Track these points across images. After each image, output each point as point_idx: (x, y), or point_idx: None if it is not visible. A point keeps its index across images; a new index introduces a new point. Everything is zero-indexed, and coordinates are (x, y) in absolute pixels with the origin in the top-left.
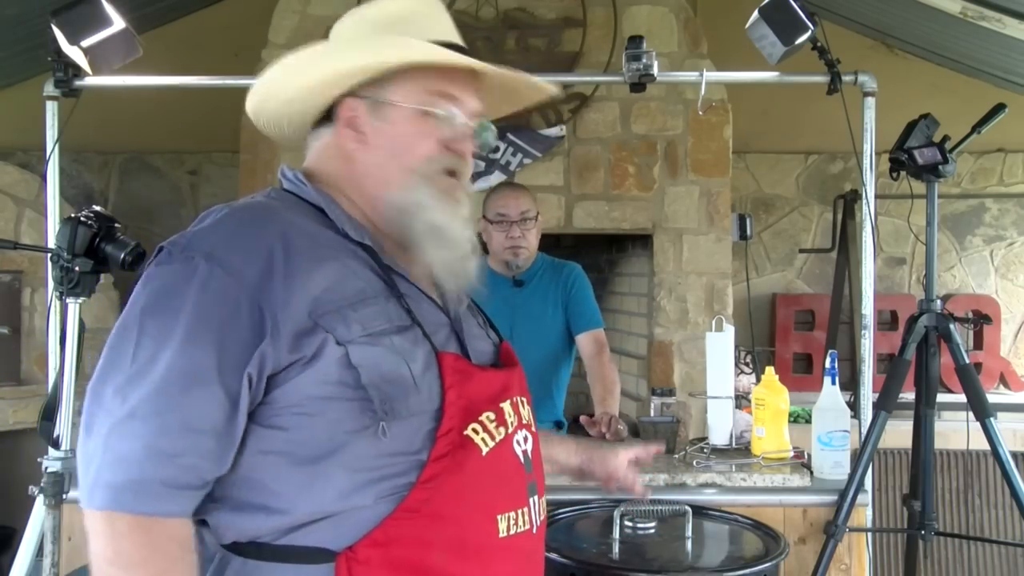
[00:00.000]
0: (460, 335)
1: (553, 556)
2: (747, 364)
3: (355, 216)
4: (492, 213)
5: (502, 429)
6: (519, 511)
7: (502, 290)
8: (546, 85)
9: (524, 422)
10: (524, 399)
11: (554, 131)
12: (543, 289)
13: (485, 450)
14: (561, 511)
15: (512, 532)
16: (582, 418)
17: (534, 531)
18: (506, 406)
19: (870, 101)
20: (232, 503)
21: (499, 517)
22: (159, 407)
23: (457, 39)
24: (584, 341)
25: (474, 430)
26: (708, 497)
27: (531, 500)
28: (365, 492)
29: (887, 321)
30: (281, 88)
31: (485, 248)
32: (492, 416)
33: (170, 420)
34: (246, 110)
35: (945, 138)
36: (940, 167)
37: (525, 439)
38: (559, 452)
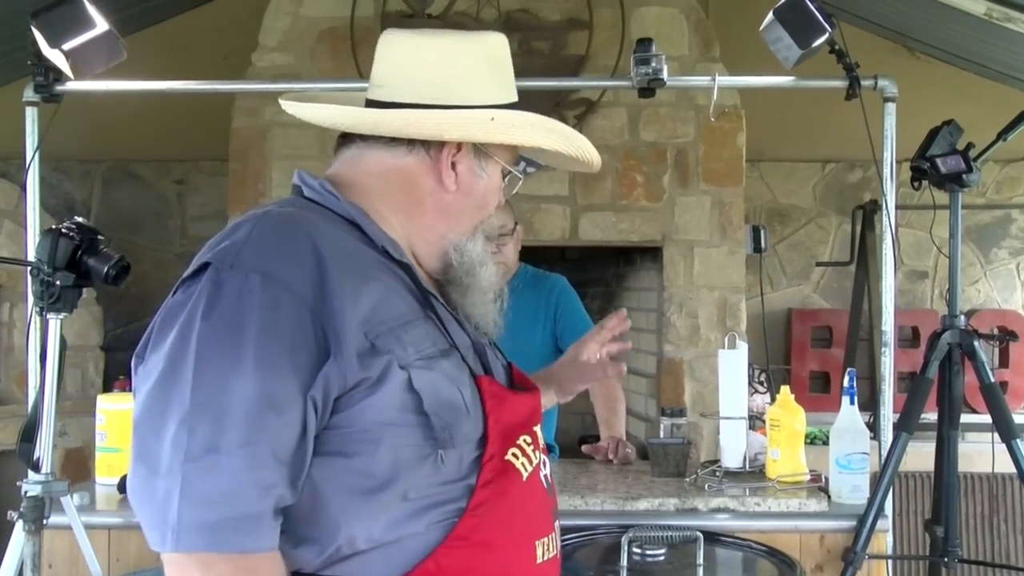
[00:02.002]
0: (483, 358)
1: None
2: (761, 383)
3: (391, 234)
4: None
5: (538, 452)
6: (549, 536)
7: None
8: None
9: (542, 446)
10: (539, 424)
11: None
12: (524, 303)
13: (525, 475)
14: (567, 537)
15: (546, 557)
16: (584, 447)
17: (559, 556)
18: (537, 429)
19: (890, 107)
20: (283, 535)
21: (537, 543)
22: (246, 437)
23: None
24: None
25: (514, 455)
26: (720, 523)
27: (555, 525)
28: (418, 520)
29: (908, 338)
30: (382, 117)
31: None
32: (528, 439)
33: (260, 451)
34: (289, 110)
35: (969, 146)
36: (964, 176)
37: (544, 463)
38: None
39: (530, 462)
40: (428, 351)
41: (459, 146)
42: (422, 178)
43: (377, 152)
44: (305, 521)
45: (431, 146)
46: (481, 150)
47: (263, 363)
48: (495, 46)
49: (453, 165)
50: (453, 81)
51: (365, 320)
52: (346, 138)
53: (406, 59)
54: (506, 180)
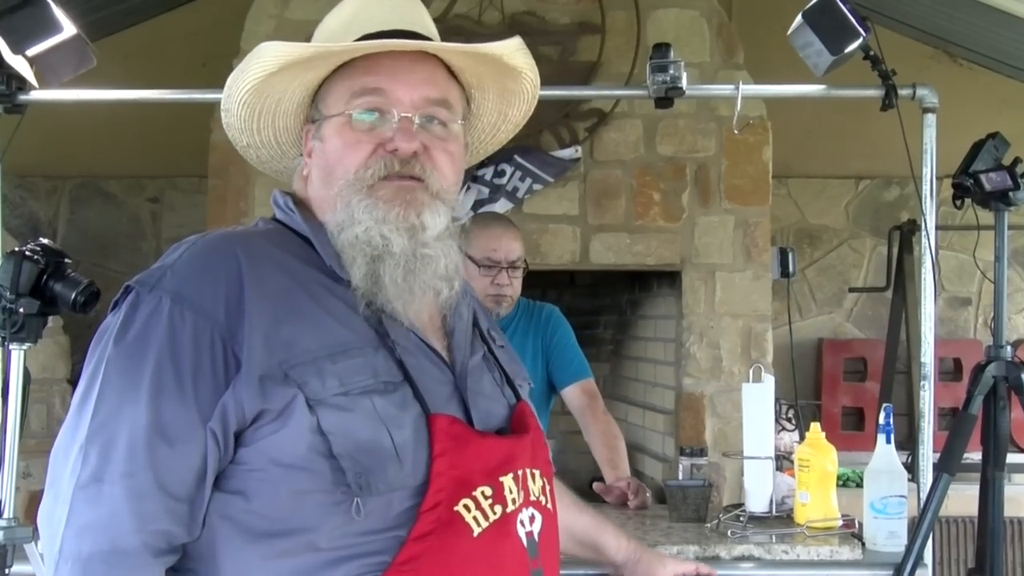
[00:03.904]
0: (464, 393)
1: None
2: (789, 420)
3: None
4: (478, 254)
5: (499, 507)
6: None
7: None
8: (503, 50)
9: (533, 499)
10: (537, 471)
11: (568, 152)
12: (521, 336)
13: (477, 531)
14: None
15: None
16: (595, 485)
17: None
18: (507, 480)
19: (930, 118)
20: (183, 574)
21: None
22: (128, 468)
23: (405, 24)
24: (572, 394)
25: (465, 507)
26: (745, 572)
27: None
28: (332, 572)
29: (950, 370)
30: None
31: None
32: (488, 491)
33: (140, 482)
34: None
35: (1016, 161)
36: (1010, 194)
37: (532, 519)
38: (608, 541)
39: (485, 517)
40: (361, 383)
41: (307, 135)
42: (303, 177)
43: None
44: (205, 561)
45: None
46: (317, 122)
47: (159, 390)
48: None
49: (309, 150)
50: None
51: (285, 347)
52: None
53: None
54: (368, 118)
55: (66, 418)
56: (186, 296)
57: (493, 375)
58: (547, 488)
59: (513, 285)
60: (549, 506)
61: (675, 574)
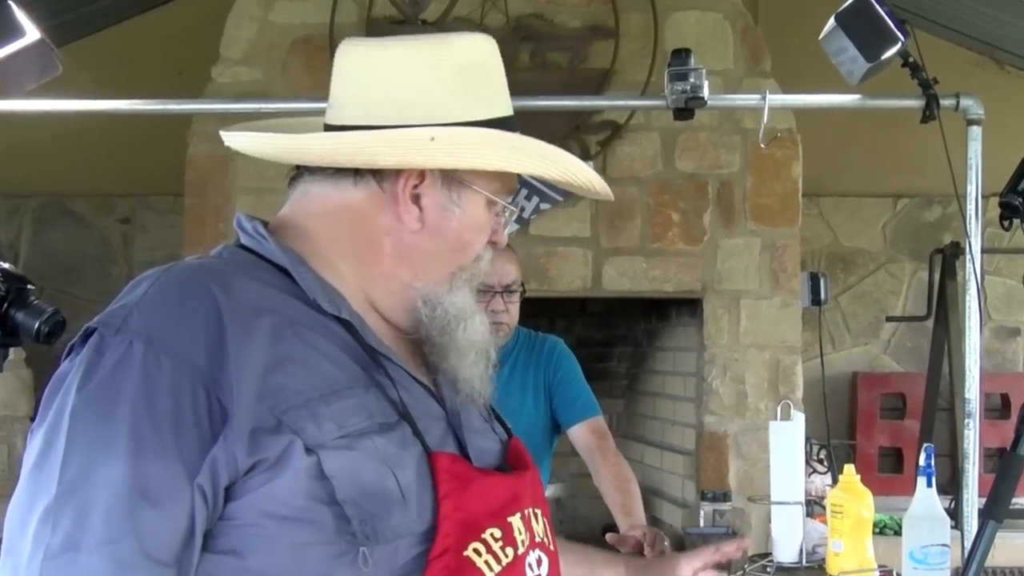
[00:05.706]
0: (458, 431)
1: None
2: (821, 461)
3: (331, 282)
4: None
5: (510, 550)
6: None
7: None
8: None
9: (538, 540)
10: (539, 511)
11: None
12: (521, 371)
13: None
14: None
15: None
16: (608, 536)
17: None
18: (515, 520)
19: (975, 131)
20: None
21: None
22: (107, 534)
23: (509, 102)
24: (580, 433)
25: (475, 551)
26: None
27: None
28: None
29: (997, 407)
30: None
31: None
32: (497, 533)
33: (122, 549)
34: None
35: None
36: None
37: (539, 561)
38: (603, 572)
39: (498, 561)
40: (357, 426)
41: (422, 175)
42: (376, 216)
43: (321, 187)
44: None
45: (383, 177)
46: (454, 178)
47: (138, 445)
48: (469, 50)
49: (416, 198)
50: (404, 95)
51: (275, 391)
52: (298, 172)
53: (355, 73)
54: (505, 215)
55: (22, 477)
56: (160, 339)
57: (480, 411)
58: (548, 528)
59: (509, 312)
60: (552, 547)
61: (693, 569)
